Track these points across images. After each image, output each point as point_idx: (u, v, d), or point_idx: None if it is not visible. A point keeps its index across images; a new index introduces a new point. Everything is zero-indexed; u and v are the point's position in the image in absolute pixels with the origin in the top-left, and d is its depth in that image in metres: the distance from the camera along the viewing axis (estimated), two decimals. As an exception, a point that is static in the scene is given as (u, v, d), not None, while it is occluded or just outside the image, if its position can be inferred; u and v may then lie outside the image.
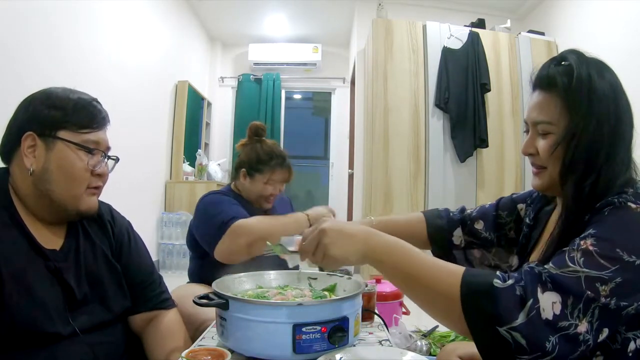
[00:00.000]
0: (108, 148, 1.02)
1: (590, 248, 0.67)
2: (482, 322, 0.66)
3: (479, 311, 0.66)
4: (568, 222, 0.77)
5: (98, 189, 1.02)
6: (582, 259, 0.67)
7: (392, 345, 1.04)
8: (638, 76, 2.92)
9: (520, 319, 0.63)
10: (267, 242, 0.99)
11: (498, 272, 0.70)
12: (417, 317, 1.94)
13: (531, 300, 0.64)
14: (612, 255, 0.66)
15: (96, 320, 0.98)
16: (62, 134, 0.94)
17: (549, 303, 0.64)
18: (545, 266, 0.68)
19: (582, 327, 0.64)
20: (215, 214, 1.52)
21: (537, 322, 0.63)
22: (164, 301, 1.14)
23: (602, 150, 0.76)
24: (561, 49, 3.93)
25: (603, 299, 0.64)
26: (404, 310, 1.89)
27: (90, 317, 0.97)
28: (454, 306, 0.68)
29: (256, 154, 1.68)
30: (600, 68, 0.80)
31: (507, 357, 0.64)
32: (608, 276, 0.65)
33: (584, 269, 0.66)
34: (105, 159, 1.02)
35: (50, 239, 0.97)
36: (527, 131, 0.88)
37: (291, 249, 0.93)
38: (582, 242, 0.69)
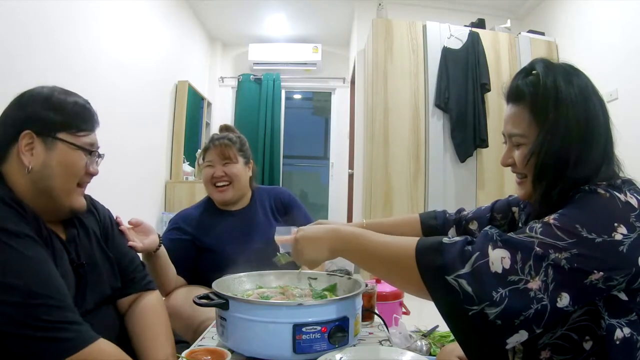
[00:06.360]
0: (98, 148, 1.07)
1: (551, 221, 0.70)
2: (433, 274, 0.70)
3: (429, 266, 0.71)
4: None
5: (83, 186, 1.06)
6: (541, 229, 0.70)
7: (392, 345, 1.04)
8: (638, 76, 2.92)
9: (466, 269, 0.67)
10: (277, 253, 1.13)
11: (449, 235, 0.75)
12: (417, 317, 1.94)
13: (477, 253, 0.68)
14: (570, 230, 0.68)
15: (95, 303, 1.01)
16: (62, 135, 0.96)
17: (498, 258, 0.67)
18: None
19: (534, 284, 0.66)
20: None
21: (484, 273, 0.67)
22: (149, 283, 1.19)
23: (571, 156, 0.77)
24: (561, 49, 3.92)
25: (553, 256, 0.66)
26: (404, 310, 1.88)
27: (90, 299, 1.00)
28: (412, 270, 0.73)
29: None
30: (568, 74, 0.81)
31: (459, 311, 0.66)
32: (562, 246, 0.67)
33: (540, 236, 0.69)
34: (97, 159, 1.06)
35: (58, 231, 1.00)
36: (506, 142, 0.91)
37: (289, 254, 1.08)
38: (546, 218, 0.72)
